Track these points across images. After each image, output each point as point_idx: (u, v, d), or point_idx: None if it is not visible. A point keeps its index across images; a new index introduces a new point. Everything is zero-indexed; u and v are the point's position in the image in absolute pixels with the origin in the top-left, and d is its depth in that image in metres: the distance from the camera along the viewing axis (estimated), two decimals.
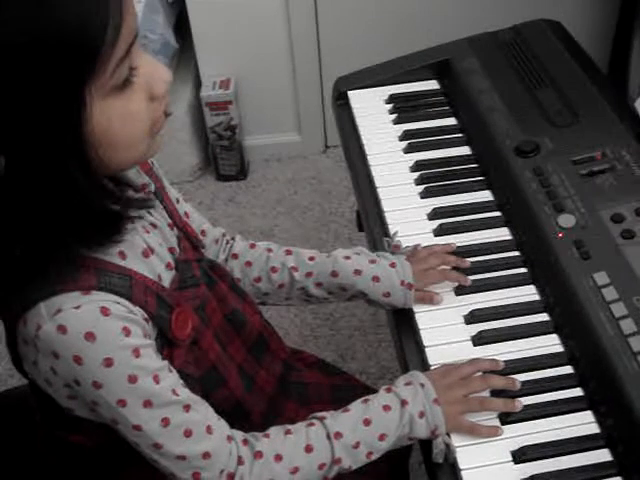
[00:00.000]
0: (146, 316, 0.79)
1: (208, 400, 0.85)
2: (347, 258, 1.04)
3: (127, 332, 0.75)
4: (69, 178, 0.69)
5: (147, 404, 0.77)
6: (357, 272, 1.02)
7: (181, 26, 2.35)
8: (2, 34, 0.63)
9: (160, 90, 0.75)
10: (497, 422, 0.89)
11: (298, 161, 2.47)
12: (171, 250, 0.88)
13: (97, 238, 0.76)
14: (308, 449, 0.86)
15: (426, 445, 0.89)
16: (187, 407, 0.80)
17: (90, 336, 0.73)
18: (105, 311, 0.74)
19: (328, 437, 0.87)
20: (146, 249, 0.82)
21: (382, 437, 0.88)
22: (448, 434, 0.89)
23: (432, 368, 0.95)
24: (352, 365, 1.86)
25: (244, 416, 0.95)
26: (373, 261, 1.04)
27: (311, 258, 1.05)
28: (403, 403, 0.88)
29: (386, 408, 0.88)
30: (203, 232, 1.04)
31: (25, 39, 0.63)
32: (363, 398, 0.91)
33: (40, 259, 0.73)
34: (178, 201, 0.98)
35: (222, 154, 2.36)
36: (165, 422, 0.78)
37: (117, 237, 0.77)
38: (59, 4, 0.64)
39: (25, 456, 0.98)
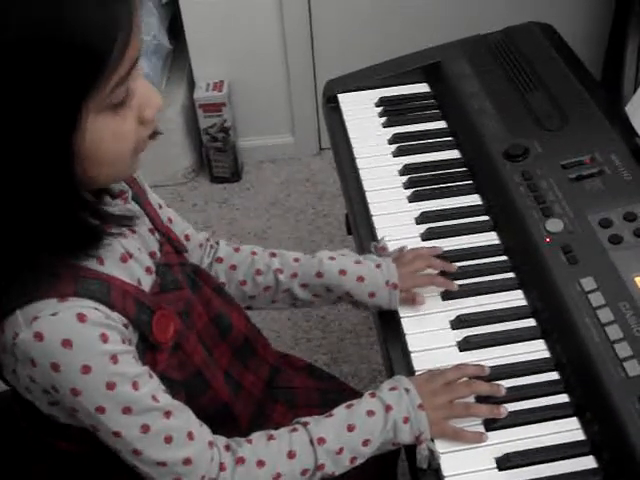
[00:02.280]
0: (125, 321, 0.78)
1: (194, 405, 0.85)
2: (332, 259, 1.04)
3: (105, 338, 0.75)
4: (51, 187, 0.70)
5: (126, 410, 0.76)
6: (342, 272, 1.02)
7: (175, 28, 2.34)
8: (16, 30, 0.63)
9: (151, 115, 0.76)
10: (482, 428, 0.89)
11: (292, 163, 2.47)
12: (151, 254, 0.87)
13: (73, 250, 0.76)
14: (291, 455, 0.85)
15: (411, 450, 0.89)
16: (168, 413, 0.80)
17: (67, 343, 0.73)
18: (82, 318, 0.73)
19: (311, 443, 0.86)
20: (124, 254, 0.82)
21: (366, 442, 0.87)
22: (432, 440, 0.88)
23: (417, 373, 0.94)
24: (344, 368, 1.86)
25: (232, 420, 0.95)
26: (358, 262, 1.04)
27: (296, 259, 1.05)
28: (387, 408, 0.88)
29: (370, 413, 0.88)
30: (187, 237, 1.04)
31: (34, 37, 0.64)
32: (347, 403, 0.90)
33: (16, 266, 0.73)
34: (161, 207, 0.98)
35: (216, 156, 2.36)
36: (145, 428, 0.78)
37: (93, 251, 0.77)
38: (73, 9, 0.65)
39: (13, 462, 0.97)
